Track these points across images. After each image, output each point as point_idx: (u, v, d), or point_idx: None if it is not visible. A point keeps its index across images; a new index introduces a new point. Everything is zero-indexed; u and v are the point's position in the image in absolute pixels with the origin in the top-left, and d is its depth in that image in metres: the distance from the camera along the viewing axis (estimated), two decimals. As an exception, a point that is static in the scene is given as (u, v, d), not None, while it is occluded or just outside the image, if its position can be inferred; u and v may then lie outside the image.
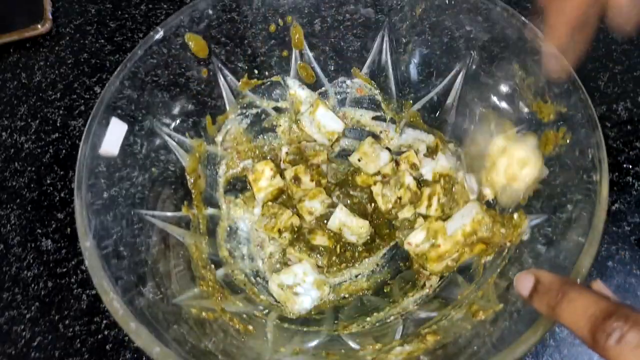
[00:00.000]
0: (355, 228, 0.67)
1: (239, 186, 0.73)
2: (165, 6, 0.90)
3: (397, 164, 0.70)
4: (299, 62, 0.71)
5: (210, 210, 0.69)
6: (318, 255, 0.69)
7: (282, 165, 0.72)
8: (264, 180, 0.69)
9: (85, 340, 0.65)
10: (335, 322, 0.63)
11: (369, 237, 0.69)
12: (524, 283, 0.45)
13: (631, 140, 0.72)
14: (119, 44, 0.87)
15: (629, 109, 0.75)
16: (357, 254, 0.69)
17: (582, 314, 0.39)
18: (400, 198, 0.68)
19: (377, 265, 0.69)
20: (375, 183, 0.71)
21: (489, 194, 0.63)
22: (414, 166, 0.69)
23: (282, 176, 0.71)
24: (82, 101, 0.83)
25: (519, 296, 0.46)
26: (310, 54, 0.70)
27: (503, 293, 0.55)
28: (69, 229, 0.72)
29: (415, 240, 0.64)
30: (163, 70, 0.63)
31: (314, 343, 0.61)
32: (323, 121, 0.72)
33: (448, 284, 0.63)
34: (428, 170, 0.69)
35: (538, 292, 0.44)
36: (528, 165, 0.59)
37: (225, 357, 0.54)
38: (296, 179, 0.70)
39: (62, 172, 0.77)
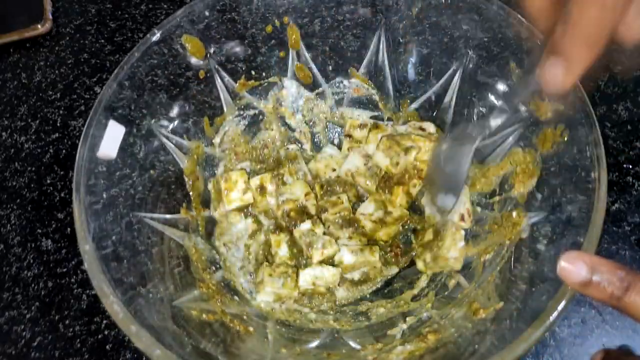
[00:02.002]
0: (328, 278, 0.65)
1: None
2: (165, 6, 0.90)
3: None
4: (296, 62, 0.71)
5: (209, 212, 0.69)
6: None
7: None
8: (236, 193, 0.68)
9: (85, 340, 0.65)
10: (336, 322, 0.63)
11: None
12: (573, 271, 0.42)
13: (631, 140, 0.72)
14: (119, 44, 0.88)
15: (629, 109, 0.74)
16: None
17: None
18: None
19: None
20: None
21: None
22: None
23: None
24: (82, 101, 0.83)
25: (568, 284, 0.43)
26: (307, 55, 0.70)
27: (503, 291, 0.55)
28: (69, 229, 0.73)
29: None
30: (161, 72, 0.63)
31: (314, 344, 0.61)
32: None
33: (445, 283, 0.64)
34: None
35: (598, 284, 0.41)
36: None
37: (226, 359, 0.54)
38: (261, 188, 0.69)
39: (62, 172, 0.77)
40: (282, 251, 0.67)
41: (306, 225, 0.67)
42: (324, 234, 0.67)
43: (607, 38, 0.39)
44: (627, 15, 0.39)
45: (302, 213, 0.68)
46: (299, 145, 0.75)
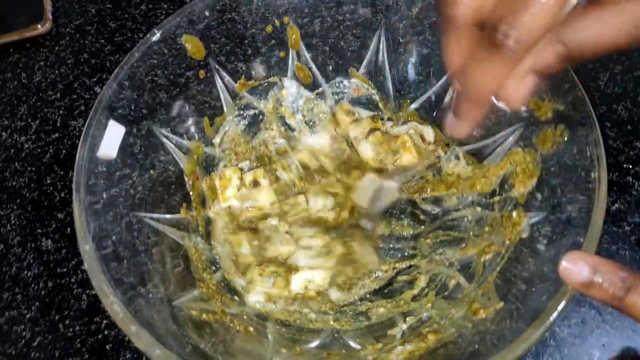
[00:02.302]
0: (318, 281, 0.64)
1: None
2: (165, 6, 0.90)
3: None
4: (296, 62, 0.71)
5: (209, 212, 0.69)
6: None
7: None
8: (231, 190, 0.69)
9: (85, 340, 0.65)
10: (336, 322, 0.63)
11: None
12: (575, 271, 0.42)
13: (631, 140, 0.72)
14: (119, 44, 0.87)
15: (629, 109, 0.74)
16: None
17: None
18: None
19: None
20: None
21: None
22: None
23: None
24: (82, 101, 0.83)
25: (569, 284, 0.43)
26: (307, 55, 0.70)
27: (503, 291, 0.55)
28: (69, 229, 0.72)
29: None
30: (161, 72, 0.63)
31: (314, 344, 0.61)
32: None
33: (445, 283, 0.64)
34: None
35: (600, 284, 0.41)
36: None
37: (226, 359, 0.54)
38: (255, 184, 0.69)
39: (62, 172, 0.77)
40: (244, 249, 0.67)
41: (273, 220, 0.67)
42: (286, 232, 0.67)
43: (488, 100, 0.44)
44: (508, 84, 0.43)
45: (265, 219, 0.69)
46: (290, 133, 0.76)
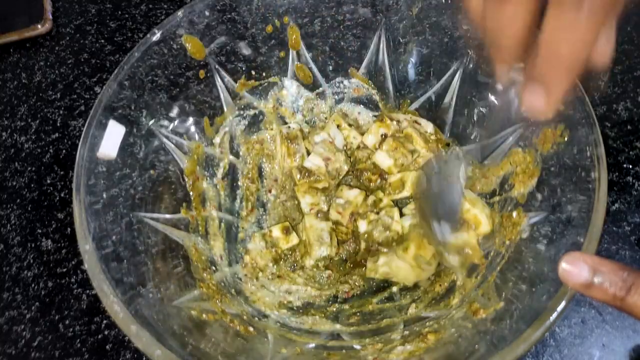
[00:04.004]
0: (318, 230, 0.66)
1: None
2: (165, 6, 0.90)
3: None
4: (296, 62, 0.71)
5: (209, 212, 0.69)
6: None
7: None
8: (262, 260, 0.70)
9: (85, 340, 0.65)
10: (336, 322, 0.63)
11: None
12: (575, 272, 0.42)
13: (631, 140, 0.72)
14: (119, 44, 0.88)
15: (629, 109, 0.75)
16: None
17: None
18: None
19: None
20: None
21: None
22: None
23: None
24: (82, 101, 0.83)
25: (569, 285, 0.43)
26: (307, 55, 0.70)
27: (503, 291, 0.55)
28: (69, 229, 0.73)
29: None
30: (161, 72, 0.63)
31: (314, 344, 0.61)
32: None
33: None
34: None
35: (601, 285, 0.41)
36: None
37: (226, 359, 0.54)
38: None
39: (62, 172, 0.77)
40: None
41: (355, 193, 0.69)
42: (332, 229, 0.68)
43: (584, 62, 0.39)
44: (598, 41, 0.40)
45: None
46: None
